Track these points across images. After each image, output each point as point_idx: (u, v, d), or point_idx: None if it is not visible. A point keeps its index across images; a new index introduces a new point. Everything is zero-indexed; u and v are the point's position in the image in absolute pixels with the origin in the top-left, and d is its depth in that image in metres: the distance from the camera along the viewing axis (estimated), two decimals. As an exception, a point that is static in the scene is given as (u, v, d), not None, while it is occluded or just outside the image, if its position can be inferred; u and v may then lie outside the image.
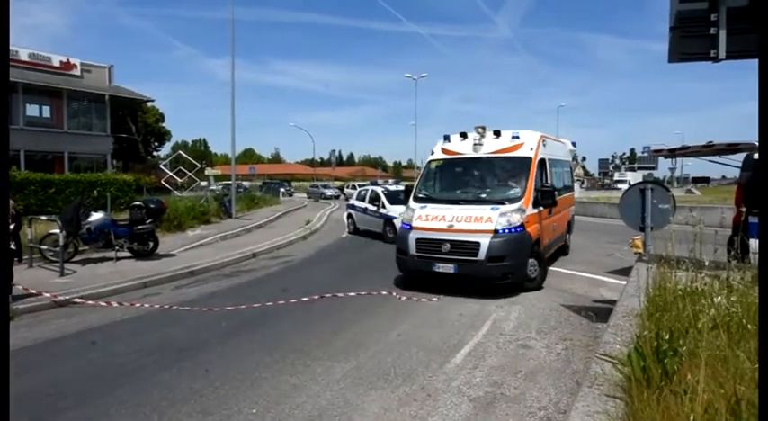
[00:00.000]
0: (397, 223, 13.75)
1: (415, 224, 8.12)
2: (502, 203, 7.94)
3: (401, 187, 18.14)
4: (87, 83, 28.42)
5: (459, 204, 8.16)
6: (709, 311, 3.00)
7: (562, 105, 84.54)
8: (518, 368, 4.67)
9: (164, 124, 46.59)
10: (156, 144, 47.15)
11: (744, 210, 5.00)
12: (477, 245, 7.41)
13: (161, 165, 26.41)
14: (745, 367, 2.36)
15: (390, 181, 33.69)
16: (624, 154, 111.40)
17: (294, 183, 55.62)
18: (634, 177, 59.11)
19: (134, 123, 36.58)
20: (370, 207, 15.20)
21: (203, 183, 26.27)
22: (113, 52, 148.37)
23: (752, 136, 7.37)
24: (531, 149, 8.68)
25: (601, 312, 5.91)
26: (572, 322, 6.12)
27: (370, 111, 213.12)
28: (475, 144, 8.94)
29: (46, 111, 27.92)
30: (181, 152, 29.45)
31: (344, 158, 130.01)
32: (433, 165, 9.29)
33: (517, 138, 8.77)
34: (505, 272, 7.44)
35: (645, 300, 3.88)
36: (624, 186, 34.66)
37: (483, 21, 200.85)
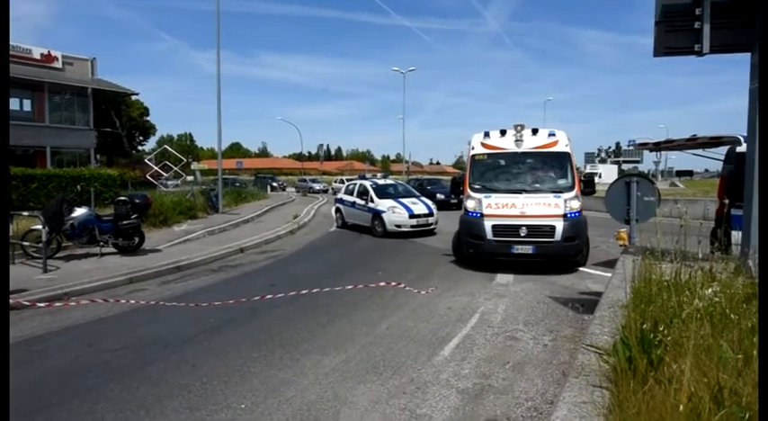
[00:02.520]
0: (386, 217, 13.83)
1: (486, 212, 9.04)
2: (558, 192, 9.10)
3: (390, 181, 18.20)
4: (69, 76, 27.91)
5: (523, 193, 9.18)
6: (693, 302, 3.04)
7: (549, 99, 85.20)
8: (506, 360, 4.71)
9: (148, 118, 45.97)
10: (141, 138, 46.52)
11: (727, 201, 5.09)
12: (553, 227, 8.59)
13: (146, 160, 26.06)
14: (727, 356, 2.40)
15: (379, 175, 33.71)
16: (610, 147, 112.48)
17: (282, 178, 55.27)
18: (607, 170, 59.41)
19: (118, 117, 36.02)
20: (359, 201, 15.20)
21: (189, 178, 25.98)
22: (97, 44, 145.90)
23: (734, 130, 7.50)
24: (566, 145, 9.80)
25: (587, 304, 5.99)
26: (559, 314, 6.18)
27: (358, 105, 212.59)
28: (516, 140, 9.84)
29: (27, 105, 27.37)
30: (166, 146, 29.13)
31: (332, 152, 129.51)
32: (479, 159, 10.03)
33: (553, 135, 9.86)
34: (577, 250, 8.84)
35: (630, 291, 3.92)
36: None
37: (472, 15, 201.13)
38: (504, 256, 8.87)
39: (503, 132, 10.09)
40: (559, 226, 8.60)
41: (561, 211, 8.70)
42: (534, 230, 8.69)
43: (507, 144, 9.94)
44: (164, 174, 23.87)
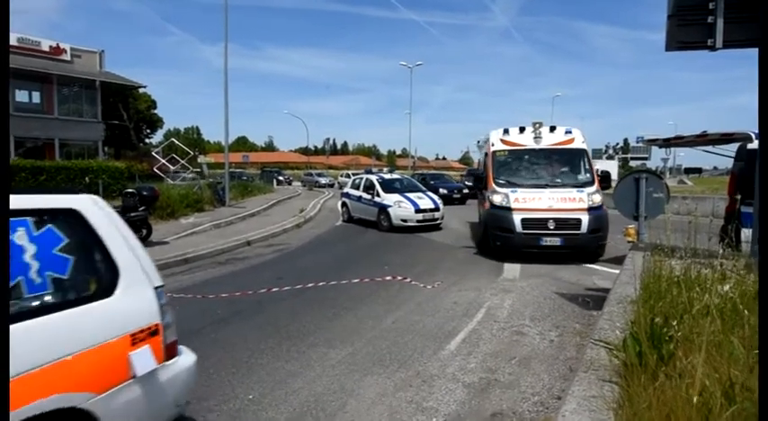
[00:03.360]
0: (392, 211, 13.82)
1: (514, 206, 9.34)
2: (580, 187, 9.63)
3: (396, 176, 18.17)
4: (77, 68, 28.00)
5: (547, 188, 9.69)
6: (704, 298, 3.02)
7: (557, 95, 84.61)
8: (512, 355, 4.71)
9: (156, 111, 46.09)
10: (148, 131, 46.66)
11: (739, 197, 5.04)
12: (579, 220, 9.03)
13: (153, 153, 26.17)
14: (738, 352, 2.39)
15: (385, 169, 33.66)
16: (617, 144, 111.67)
17: (288, 172, 55.31)
18: (604, 165, 58.75)
19: (125, 110, 36.16)
20: (365, 195, 15.19)
21: (189, 176, 25.83)
22: (105, 38, 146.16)
23: (745, 127, 7.42)
24: (582, 142, 10.45)
25: (594, 300, 5.97)
26: (565, 310, 6.16)
27: (364, 100, 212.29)
28: (535, 137, 10.41)
29: (36, 97, 27.51)
30: (173, 139, 29.22)
31: (339, 147, 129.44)
32: (500, 155, 10.47)
33: (570, 132, 10.49)
34: (600, 242, 9.30)
35: (639, 286, 3.90)
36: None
37: (480, 9, 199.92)
38: (533, 248, 9.17)
39: (521, 129, 10.59)
40: (585, 219, 9.01)
41: (585, 205, 9.12)
42: (562, 223, 9.09)
43: (526, 140, 10.46)
44: (171, 167, 23.95)
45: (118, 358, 2.45)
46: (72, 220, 2.53)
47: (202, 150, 52.22)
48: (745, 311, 2.67)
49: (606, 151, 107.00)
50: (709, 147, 8.90)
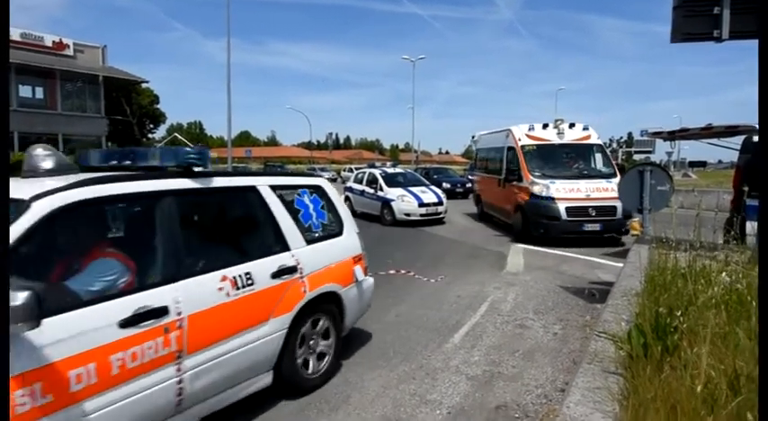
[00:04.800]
0: (395, 206, 13.80)
1: (556, 195, 10.25)
2: (607, 177, 10.66)
3: (399, 170, 18.15)
4: (80, 63, 28.01)
5: (581, 179, 10.65)
6: (709, 290, 3.01)
7: (561, 89, 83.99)
8: (515, 347, 4.71)
9: (159, 106, 46.12)
10: (152, 126, 46.70)
11: (747, 188, 5.01)
12: (615, 208, 9.90)
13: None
14: (744, 344, 2.38)
15: (388, 164, 33.60)
16: (622, 137, 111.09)
17: (291, 166, 55.38)
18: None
19: (128, 105, 36.18)
20: (368, 190, 15.18)
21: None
22: (109, 33, 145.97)
23: (750, 119, 7.36)
24: (598, 138, 11.73)
25: (598, 293, 5.96)
26: (569, 303, 6.16)
27: (368, 94, 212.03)
28: (558, 133, 11.55)
29: (39, 93, 27.55)
30: (176, 134, 29.27)
31: (341, 141, 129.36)
32: (529, 150, 11.38)
33: (587, 129, 11.73)
34: (627, 225, 10.03)
35: (644, 279, 3.89)
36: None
37: (485, 2, 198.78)
38: (576, 234, 10.11)
39: (545, 126, 11.68)
40: (618, 205, 9.73)
41: (616, 194, 9.75)
42: (601, 210, 10.07)
43: (550, 136, 11.55)
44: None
45: (349, 269, 4.26)
46: (321, 192, 4.35)
47: (205, 145, 52.25)
48: (753, 302, 2.66)
49: (610, 145, 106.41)
50: (714, 140, 8.85)
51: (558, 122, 11.75)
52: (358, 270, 4.33)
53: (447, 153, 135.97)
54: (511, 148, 11.92)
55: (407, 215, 13.75)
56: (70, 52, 27.75)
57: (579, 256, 9.09)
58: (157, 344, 2.63)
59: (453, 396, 3.74)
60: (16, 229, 2.24)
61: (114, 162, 3.49)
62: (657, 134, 10.99)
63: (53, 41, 27.07)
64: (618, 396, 2.24)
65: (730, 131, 7.97)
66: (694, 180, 38.51)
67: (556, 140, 11.54)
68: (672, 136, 9.78)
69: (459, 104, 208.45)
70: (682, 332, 2.62)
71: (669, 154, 47.87)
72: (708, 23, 5.37)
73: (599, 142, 11.79)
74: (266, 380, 3.49)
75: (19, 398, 2.09)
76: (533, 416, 3.40)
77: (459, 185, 23.37)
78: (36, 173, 2.94)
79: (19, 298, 1.93)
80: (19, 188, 2.46)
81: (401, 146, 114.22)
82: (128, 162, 3.42)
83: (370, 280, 4.62)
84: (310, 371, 3.83)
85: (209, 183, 3.29)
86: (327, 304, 3.97)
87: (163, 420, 2.77)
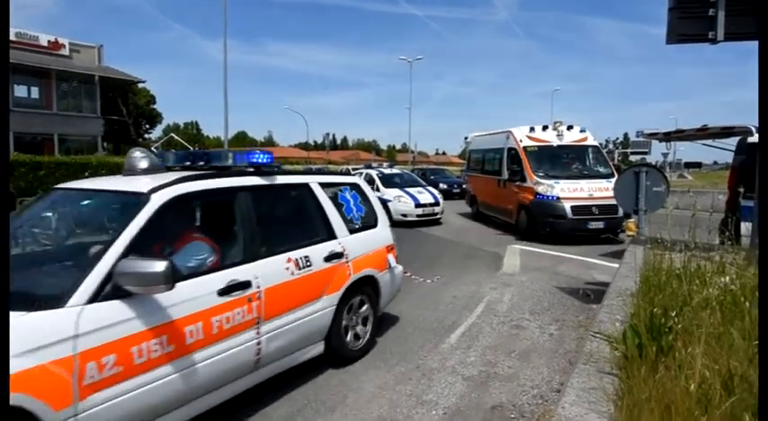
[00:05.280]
0: (392, 206, 13.79)
1: (561, 195, 10.62)
2: (606, 177, 11.05)
3: (396, 171, 18.14)
4: (76, 63, 27.88)
5: (583, 179, 11.04)
6: (703, 291, 3.02)
7: (557, 89, 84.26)
8: (511, 348, 4.72)
9: (155, 106, 45.96)
10: (148, 126, 46.53)
11: (742, 189, 5.04)
12: (616, 206, 9.74)
13: (153, 148, 26.11)
14: (738, 344, 2.39)
15: (385, 164, 33.58)
16: (617, 138, 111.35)
17: (288, 167, 55.26)
18: None
19: (125, 105, 36.04)
20: (365, 190, 15.15)
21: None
22: (105, 33, 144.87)
23: (746, 121, 7.39)
24: (594, 140, 12.24)
25: (593, 294, 5.97)
26: (564, 303, 6.17)
27: (364, 95, 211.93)
28: (558, 134, 11.95)
29: (35, 93, 27.38)
30: (173, 135, 29.17)
31: (338, 142, 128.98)
32: (531, 151, 11.70)
33: (584, 131, 12.23)
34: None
35: (639, 279, 3.90)
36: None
37: (482, 3, 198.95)
38: (581, 231, 10.49)
39: (544, 127, 12.07)
40: None
41: None
42: (603, 209, 10.37)
43: (550, 137, 11.91)
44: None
45: (383, 257, 4.86)
46: (358, 189, 4.97)
47: (202, 145, 52.13)
48: (746, 303, 2.67)
49: (606, 146, 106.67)
50: (710, 141, 8.88)
51: (557, 124, 12.15)
52: (390, 258, 4.97)
53: (444, 154, 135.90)
54: (512, 149, 12.19)
55: (404, 216, 13.75)
56: (66, 52, 27.63)
57: (575, 257, 9.11)
58: (243, 310, 3.21)
59: (449, 396, 3.74)
60: (143, 215, 2.80)
61: (188, 163, 4.06)
62: (653, 135, 11.10)
63: (48, 41, 26.93)
64: (613, 396, 2.24)
65: (725, 132, 8.00)
66: (690, 181, 38.66)
67: (555, 142, 11.90)
68: (667, 137, 9.85)
69: (456, 105, 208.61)
70: (676, 332, 2.63)
71: (665, 155, 48.07)
72: (703, 25, 5.39)
73: (595, 144, 12.28)
74: (319, 348, 4.08)
75: (153, 346, 2.62)
76: (529, 417, 3.41)
77: (455, 186, 23.38)
78: (134, 172, 3.52)
79: (161, 266, 2.45)
80: (133, 184, 3.15)
81: (398, 146, 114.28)
82: (201, 163, 4.01)
83: (400, 267, 5.23)
84: (353, 343, 4.41)
85: (273, 180, 3.94)
86: (366, 286, 4.56)
87: (243, 375, 3.33)
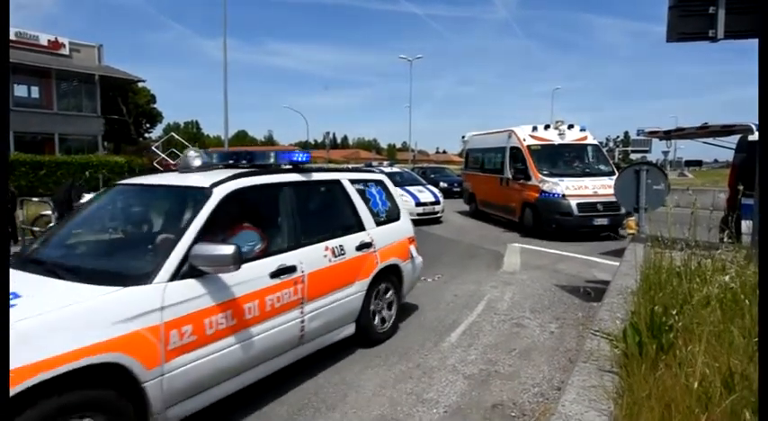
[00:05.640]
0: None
1: (567, 193, 10.86)
2: (607, 175, 11.37)
3: (396, 169, 18.12)
4: (76, 62, 27.86)
5: (586, 177, 11.31)
6: (704, 289, 3.02)
7: (558, 88, 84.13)
8: (512, 346, 4.72)
9: (155, 105, 45.92)
10: (148, 125, 46.47)
11: (742, 187, 5.03)
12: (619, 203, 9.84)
13: (153, 147, 26.10)
14: (738, 342, 2.39)
15: (385, 163, 33.57)
16: (618, 137, 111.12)
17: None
18: None
19: (125, 104, 35.97)
20: (365, 189, 15.14)
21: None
22: (105, 32, 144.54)
23: (746, 119, 7.38)
24: (594, 138, 12.56)
25: (594, 292, 5.97)
26: (565, 302, 6.18)
27: (364, 94, 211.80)
28: (559, 134, 12.19)
29: (35, 92, 27.37)
30: (173, 134, 29.09)
31: (339, 141, 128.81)
32: (535, 149, 11.93)
33: (584, 130, 12.49)
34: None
35: (639, 278, 3.90)
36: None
37: (482, 1, 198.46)
38: (587, 228, 10.77)
39: (546, 126, 12.28)
40: None
41: None
42: (608, 206, 10.55)
43: (552, 136, 12.13)
44: (171, 161, 23.87)
45: (406, 248, 5.28)
46: (383, 185, 5.34)
47: (202, 145, 52.12)
48: (746, 301, 2.67)
49: (607, 144, 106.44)
50: (710, 139, 8.87)
51: (558, 123, 12.38)
52: (412, 248, 5.41)
53: (444, 152, 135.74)
54: (515, 148, 12.38)
55: (404, 214, 13.72)
56: (66, 51, 27.60)
57: (576, 255, 9.11)
58: (290, 292, 3.63)
59: (450, 395, 3.74)
60: (208, 206, 3.24)
61: (231, 161, 4.45)
62: (654, 133, 11.05)
63: (48, 41, 26.91)
64: (613, 394, 2.25)
65: (726, 131, 7.99)
66: (690, 179, 38.62)
67: (557, 140, 12.12)
68: (668, 135, 9.82)
69: (456, 104, 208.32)
70: (677, 330, 2.62)
71: (665, 153, 48.01)
72: (703, 23, 5.38)
73: (595, 142, 12.58)
74: (351, 329, 4.49)
75: (220, 319, 3.04)
76: (530, 415, 3.41)
77: (456, 184, 23.33)
78: (189, 169, 4.01)
79: (230, 249, 2.88)
80: (195, 179, 3.64)
81: (398, 145, 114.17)
82: (244, 161, 4.41)
83: (420, 258, 5.61)
84: (380, 327, 4.83)
85: (310, 176, 4.37)
86: (391, 274, 4.98)
87: (289, 350, 3.76)
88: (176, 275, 2.87)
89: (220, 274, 3.04)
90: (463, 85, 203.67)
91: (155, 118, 46.39)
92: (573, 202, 10.80)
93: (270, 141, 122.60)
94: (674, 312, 2.68)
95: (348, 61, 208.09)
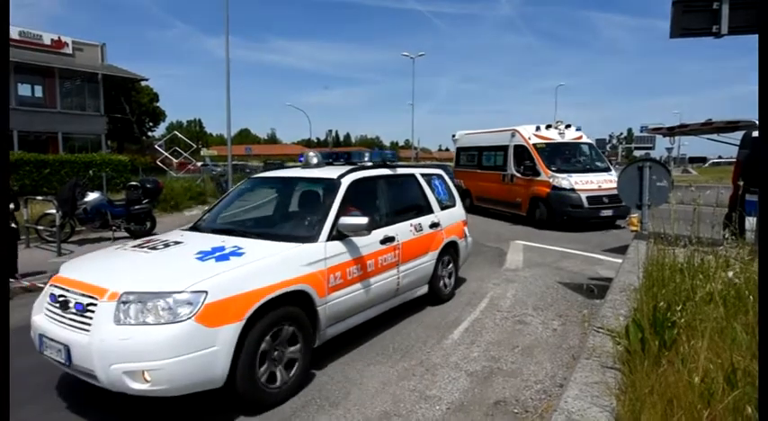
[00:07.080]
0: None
1: (577, 187, 11.79)
2: (606, 171, 12.64)
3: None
4: (79, 61, 27.95)
5: (590, 173, 12.36)
6: (707, 285, 3.01)
7: (561, 85, 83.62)
8: (515, 343, 4.72)
9: (158, 104, 46.06)
10: (151, 124, 46.67)
11: (741, 183, 5.01)
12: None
13: (156, 146, 26.14)
14: (741, 338, 2.38)
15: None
16: (621, 133, 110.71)
17: (290, 164, 55.05)
18: None
19: (128, 103, 36.08)
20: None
21: (198, 163, 26.03)
22: (109, 31, 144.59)
23: (750, 115, 7.35)
24: (588, 138, 13.85)
25: (597, 289, 5.97)
26: (568, 299, 6.17)
27: (367, 92, 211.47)
28: (559, 133, 13.27)
29: (38, 91, 27.50)
30: (176, 132, 29.15)
31: (341, 139, 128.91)
32: (540, 148, 12.85)
33: (579, 130, 13.71)
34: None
35: (642, 274, 3.89)
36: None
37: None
38: (595, 218, 11.78)
39: (548, 126, 13.29)
40: None
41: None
42: (613, 199, 10.98)
43: (554, 135, 13.14)
44: (174, 160, 23.94)
45: (462, 228, 6.54)
46: (442, 178, 6.62)
47: (205, 143, 52.19)
48: (750, 297, 2.66)
49: (610, 141, 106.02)
50: (714, 136, 8.83)
51: (558, 123, 13.41)
52: (466, 229, 6.66)
53: (447, 150, 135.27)
54: (520, 146, 13.23)
55: (407, 212, 13.80)
56: (69, 50, 27.70)
57: (579, 252, 9.10)
58: (392, 255, 4.90)
59: (453, 391, 3.75)
60: (340, 191, 4.53)
61: (331, 160, 5.92)
62: (657, 130, 11.04)
63: (52, 40, 27.01)
64: (615, 390, 2.25)
65: (730, 127, 7.96)
66: (694, 176, 38.46)
67: (559, 139, 13.12)
68: (671, 132, 9.76)
69: (458, 101, 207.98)
70: (679, 327, 2.62)
71: (669, 150, 47.78)
72: (707, 19, 5.36)
73: (590, 141, 13.96)
74: (425, 289, 5.75)
75: (354, 270, 4.33)
76: (532, 412, 3.41)
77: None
78: (309, 166, 5.42)
79: (365, 219, 4.18)
80: (323, 172, 5.03)
81: (401, 143, 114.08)
82: (341, 160, 5.87)
83: (471, 237, 6.83)
84: (444, 290, 6.06)
85: (396, 171, 5.71)
86: (451, 249, 6.19)
87: (389, 299, 5.02)
88: (329, 237, 4.12)
89: (353, 238, 4.28)
90: (466, 82, 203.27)
91: (158, 116, 46.56)
92: (583, 196, 11.68)
93: (272, 139, 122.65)
94: (678, 309, 2.68)
95: (350, 59, 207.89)
